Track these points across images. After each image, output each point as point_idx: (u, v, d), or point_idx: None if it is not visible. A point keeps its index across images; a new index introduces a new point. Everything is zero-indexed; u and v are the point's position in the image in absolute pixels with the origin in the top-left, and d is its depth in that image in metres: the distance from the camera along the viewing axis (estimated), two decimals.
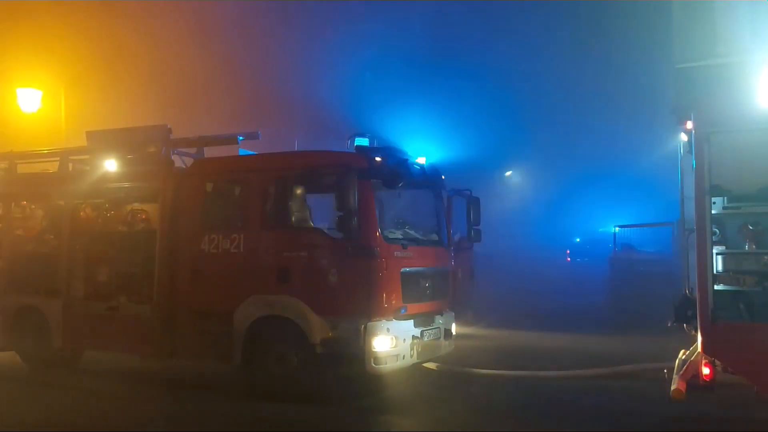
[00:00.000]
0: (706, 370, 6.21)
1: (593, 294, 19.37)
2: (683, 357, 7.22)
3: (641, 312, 13.93)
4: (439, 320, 9.19)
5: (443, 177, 10.00)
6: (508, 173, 43.28)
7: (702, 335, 6.17)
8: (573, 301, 18.39)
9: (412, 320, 8.53)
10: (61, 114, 16.57)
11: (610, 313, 15.94)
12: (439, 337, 9.16)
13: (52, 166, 10.85)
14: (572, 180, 35.03)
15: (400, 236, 8.81)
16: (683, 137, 7.40)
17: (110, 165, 9.87)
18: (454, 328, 9.68)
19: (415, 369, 9.12)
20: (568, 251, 28.90)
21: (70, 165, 10.56)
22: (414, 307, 8.56)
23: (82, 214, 10.18)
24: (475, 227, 10.31)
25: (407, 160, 9.13)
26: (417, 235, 9.16)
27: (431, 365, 9.78)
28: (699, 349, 6.30)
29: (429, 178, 9.71)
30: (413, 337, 8.48)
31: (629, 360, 9.80)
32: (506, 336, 13.18)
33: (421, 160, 9.84)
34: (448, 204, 10.08)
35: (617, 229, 20.99)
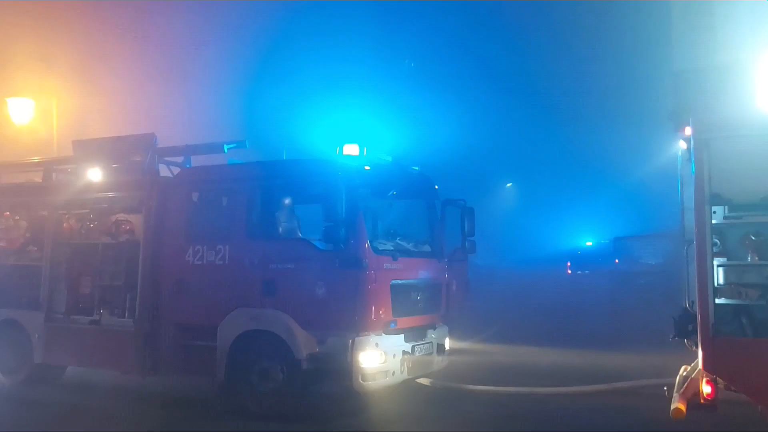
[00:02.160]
0: (707, 389, 5.90)
1: (593, 307, 19.02)
2: (684, 374, 6.91)
3: (642, 326, 13.60)
4: (432, 334, 8.91)
5: (436, 186, 9.74)
6: (508, 185, 43.07)
7: (702, 351, 5.87)
8: (573, 315, 18.03)
9: (403, 335, 8.26)
10: (54, 124, 16.36)
11: (610, 328, 15.59)
12: (432, 352, 8.86)
13: (39, 176, 10.62)
14: (573, 190, 34.79)
15: (391, 247, 8.54)
16: (682, 144, 7.13)
17: (95, 174, 9.65)
18: (447, 343, 9.39)
19: (408, 385, 8.82)
20: (569, 263, 28.58)
21: (54, 175, 10.31)
22: (405, 321, 8.29)
23: (65, 225, 9.94)
24: (469, 238, 10.01)
25: (398, 169, 8.88)
26: (408, 247, 8.90)
27: (425, 381, 9.49)
28: (699, 366, 5.99)
29: (421, 188, 9.47)
30: (404, 352, 8.20)
31: (629, 376, 9.48)
32: (503, 351, 12.85)
33: (414, 170, 9.56)
34: (441, 214, 9.79)
35: (616, 240, 20.69)
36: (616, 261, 22.53)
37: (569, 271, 27.89)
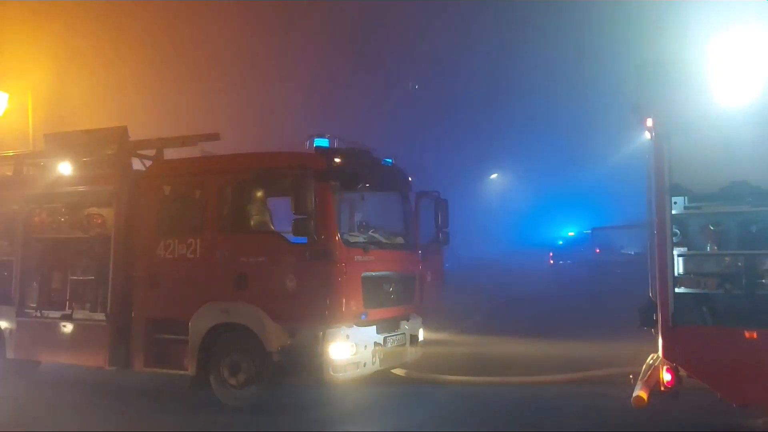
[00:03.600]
0: (667, 376, 5.99)
1: (572, 297, 19.16)
2: (650, 362, 7.01)
3: (617, 315, 13.69)
4: (405, 326, 8.96)
5: (410, 178, 9.77)
6: (493, 176, 43.20)
7: (662, 340, 5.97)
8: (552, 305, 18.16)
9: (375, 326, 8.30)
10: (29, 117, 16.21)
11: (587, 317, 15.73)
12: (404, 344, 8.92)
13: (10, 170, 10.51)
14: (554, 181, 34.95)
15: (363, 240, 8.57)
16: (648, 135, 7.19)
17: (67, 168, 9.58)
18: (421, 334, 9.45)
19: (382, 375, 8.87)
20: (551, 254, 28.78)
21: (25, 168, 10.22)
22: (376, 313, 8.33)
23: (36, 219, 9.85)
24: (443, 230, 10.07)
25: (370, 161, 8.89)
26: (381, 239, 8.93)
27: (400, 372, 9.53)
28: (660, 354, 6.09)
29: (394, 180, 9.48)
30: (375, 343, 8.25)
31: (602, 365, 9.57)
32: (480, 342, 12.90)
33: (388, 162, 9.57)
34: (415, 206, 9.82)
35: (595, 230, 20.82)
36: (597, 251, 22.71)
37: (551, 262, 28.07)
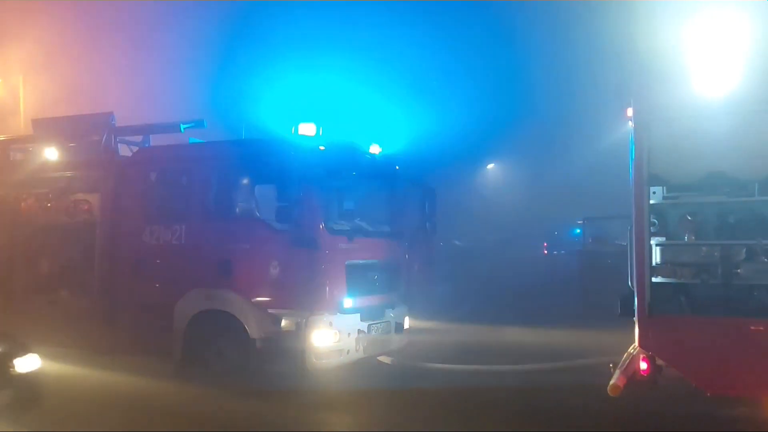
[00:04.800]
0: (643, 365, 6.03)
1: (563, 287, 19.21)
2: (631, 351, 7.06)
3: (606, 305, 13.76)
4: (390, 314, 8.99)
5: (397, 167, 9.77)
6: (490, 166, 43.13)
7: (639, 328, 6.00)
8: (542, 294, 18.23)
9: (359, 314, 8.33)
10: (20, 101, 16.17)
11: (576, 306, 15.82)
12: (390, 331, 8.96)
13: None
14: (550, 170, 34.89)
15: (347, 228, 8.58)
16: (631, 125, 7.20)
17: (53, 154, 9.59)
18: (407, 322, 9.49)
19: (367, 363, 8.91)
20: (546, 244, 28.79)
21: (12, 154, 10.22)
22: (360, 301, 8.36)
23: (23, 204, 9.86)
24: (430, 220, 10.09)
25: (355, 149, 8.89)
26: (367, 227, 8.95)
27: (386, 359, 9.57)
28: (636, 342, 6.13)
29: (381, 169, 9.48)
30: (359, 331, 8.29)
31: (587, 354, 9.63)
32: (469, 330, 12.98)
33: (375, 150, 9.56)
34: (402, 195, 9.83)
35: (586, 220, 20.72)
36: (590, 240, 22.66)
37: (545, 252, 28.11)
